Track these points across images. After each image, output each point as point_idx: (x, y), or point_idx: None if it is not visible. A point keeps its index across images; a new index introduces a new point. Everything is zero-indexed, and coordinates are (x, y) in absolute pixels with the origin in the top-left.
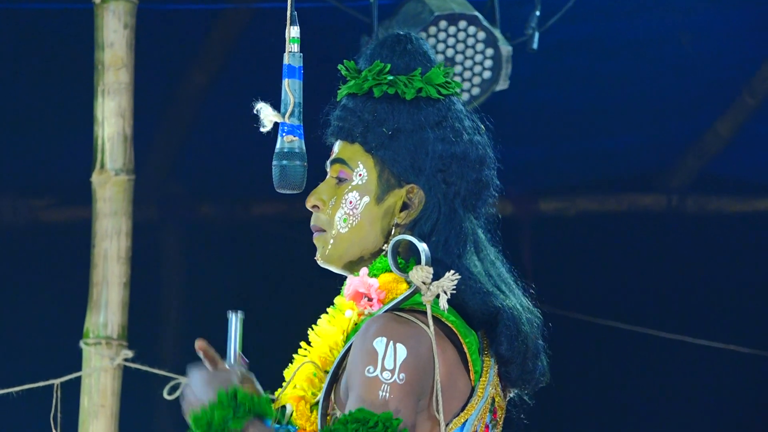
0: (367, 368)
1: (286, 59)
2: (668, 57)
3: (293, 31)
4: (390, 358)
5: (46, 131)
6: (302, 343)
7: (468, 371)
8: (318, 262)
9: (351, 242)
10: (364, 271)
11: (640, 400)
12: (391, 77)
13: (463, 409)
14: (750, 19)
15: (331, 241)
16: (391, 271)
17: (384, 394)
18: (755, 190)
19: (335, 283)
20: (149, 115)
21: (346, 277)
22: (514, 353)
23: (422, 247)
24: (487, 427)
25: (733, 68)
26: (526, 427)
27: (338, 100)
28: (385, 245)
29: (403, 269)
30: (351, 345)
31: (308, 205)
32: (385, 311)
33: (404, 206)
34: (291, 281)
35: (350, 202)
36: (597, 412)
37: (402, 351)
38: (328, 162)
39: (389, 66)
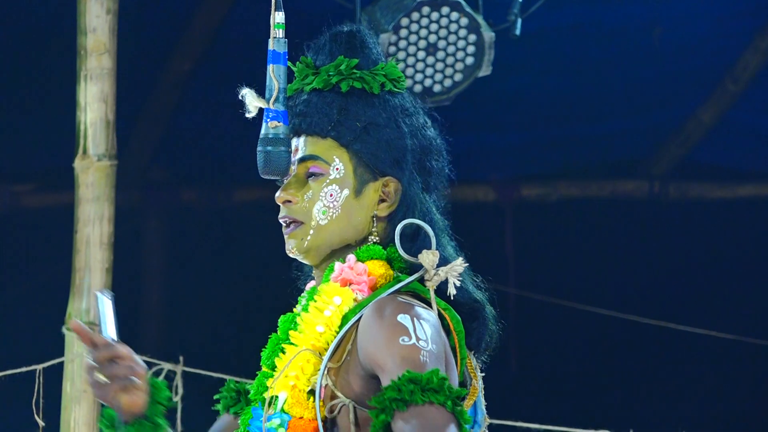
0: (401, 338)
1: (271, 45)
2: (650, 44)
3: (278, 17)
4: (420, 330)
5: (28, 117)
6: (290, 332)
7: (456, 357)
8: (292, 254)
9: (330, 234)
10: (351, 257)
11: (622, 385)
12: (358, 72)
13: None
14: (732, 6)
15: (311, 232)
16: (377, 258)
17: (424, 359)
18: (737, 177)
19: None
20: (132, 100)
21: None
22: (480, 345)
23: (432, 232)
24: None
25: (715, 55)
26: (509, 413)
27: (290, 95)
28: (371, 236)
29: (410, 252)
30: (348, 330)
31: (279, 201)
32: (389, 294)
33: (381, 199)
34: (273, 267)
35: (330, 195)
36: (577, 397)
37: (428, 326)
38: (295, 159)
39: (356, 60)
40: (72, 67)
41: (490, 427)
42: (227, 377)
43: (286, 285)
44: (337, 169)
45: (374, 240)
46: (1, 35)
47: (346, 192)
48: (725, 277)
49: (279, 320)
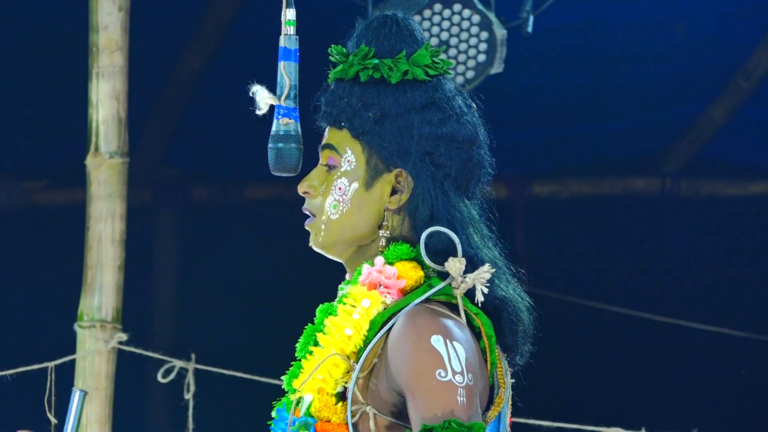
0: (437, 372)
1: (282, 42)
2: (662, 41)
3: (289, 14)
4: (455, 359)
5: (40, 114)
6: (318, 335)
7: (486, 362)
8: (312, 247)
9: (342, 228)
10: (380, 259)
11: (634, 382)
12: (376, 61)
13: (492, 401)
14: (744, 2)
15: (323, 227)
16: (406, 260)
17: (462, 399)
18: (748, 174)
19: (330, 268)
20: (144, 98)
21: (341, 265)
22: (516, 343)
23: (457, 239)
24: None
25: (727, 52)
26: (521, 410)
27: (329, 84)
28: (381, 230)
29: (434, 260)
30: (381, 338)
31: (300, 191)
32: (420, 303)
33: (394, 191)
34: (284, 265)
35: (339, 189)
36: (589, 394)
37: (461, 350)
38: (319, 148)
39: (374, 50)
40: (84, 65)
41: None
42: (239, 374)
43: (297, 282)
44: (348, 161)
45: (385, 234)
46: (13, 33)
47: (355, 185)
48: (737, 274)
49: (317, 310)
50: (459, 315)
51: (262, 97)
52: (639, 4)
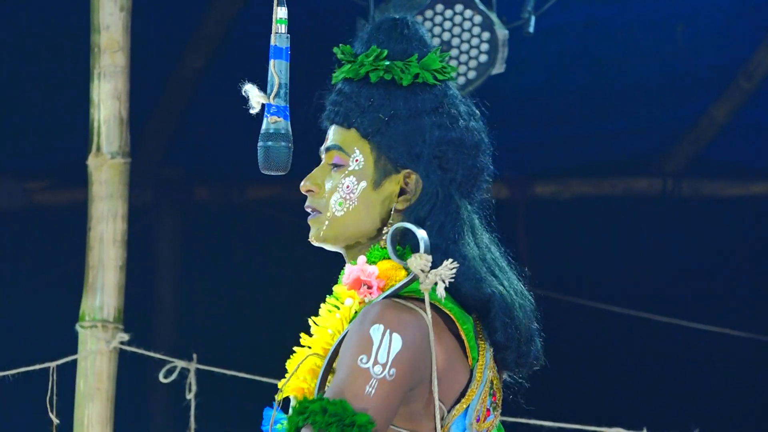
0: (360, 357)
1: (273, 40)
2: (664, 41)
3: (281, 12)
4: (384, 350)
5: (42, 114)
6: (302, 334)
7: (466, 357)
8: (311, 241)
9: (346, 225)
10: (362, 259)
11: (635, 383)
12: (387, 62)
13: (463, 394)
14: (745, 3)
15: (326, 222)
16: (389, 259)
17: (370, 389)
18: (749, 175)
19: (331, 267)
20: (145, 98)
21: (342, 259)
22: (509, 339)
23: (421, 235)
24: (488, 410)
25: (728, 52)
26: (523, 411)
27: (333, 83)
28: (385, 229)
29: (401, 256)
30: (347, 332)
31: (303, 190)
32: (383, 298)
33: (402, 191)
34: (286, 264)
35: (347, 187)
36: (590, 394)
37: (397, 342)
38: (323, 148)
39: (386, 51)
40: (85, 65)
41: (503, 424)
42: (241, 375)
43: (299, 282)
44: (356, 160)
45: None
46: (14, 33)
47: (363, 184)
48: (738, 275)
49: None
50: (434, 310)
51: (253, 96)
52: (641, 5)
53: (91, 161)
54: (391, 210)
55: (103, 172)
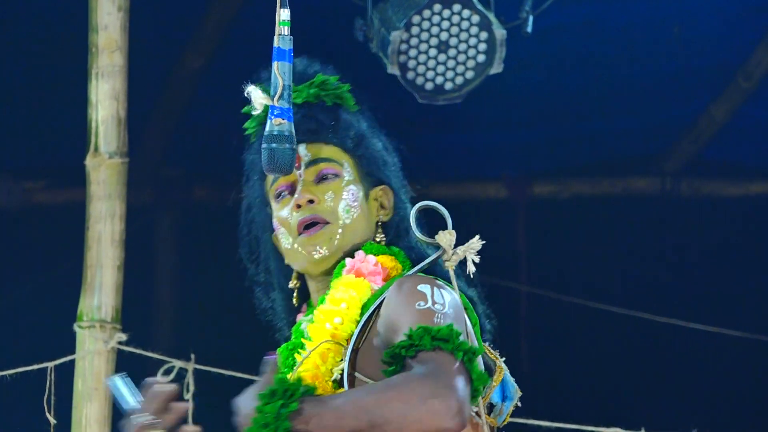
0: (417, 303)
1: (276, 42)
2: (663, 40)
3: (283, 14)
4: (438, 296)
5: (40, 114)
6: (308, 325)
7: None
8: (320, 255)
9: (354, 233)
10: (360, 252)
11: (634, 383)
12: (338, 90)
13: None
14: (745, 2)
15: (339, 231)
16: (383, 254)
17: (438, 320)
18: (749, 174)
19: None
20: (143, 97)
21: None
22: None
23: (446, 212)
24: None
25: (727, 52)
26: (521, 410)
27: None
28: (377, 236)
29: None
30: (371, 314)
31: (302, 202)
32: (410, 274)
33: (380, 205)
34: None
35: (351, 194)
36: (588, 394)
37: (447, 294)
38: (302, 163)
39: (336, 77)
40: (83, 65)
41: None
42: (239, 375)
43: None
44: (348, 171)
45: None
46: (12, 33)
47: (360, 194)
48: (738, 275)
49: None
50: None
51: (256, 98)
52: (639, 4)
53: (89, 161)
54: (377, 223)
55: (101, 172)
